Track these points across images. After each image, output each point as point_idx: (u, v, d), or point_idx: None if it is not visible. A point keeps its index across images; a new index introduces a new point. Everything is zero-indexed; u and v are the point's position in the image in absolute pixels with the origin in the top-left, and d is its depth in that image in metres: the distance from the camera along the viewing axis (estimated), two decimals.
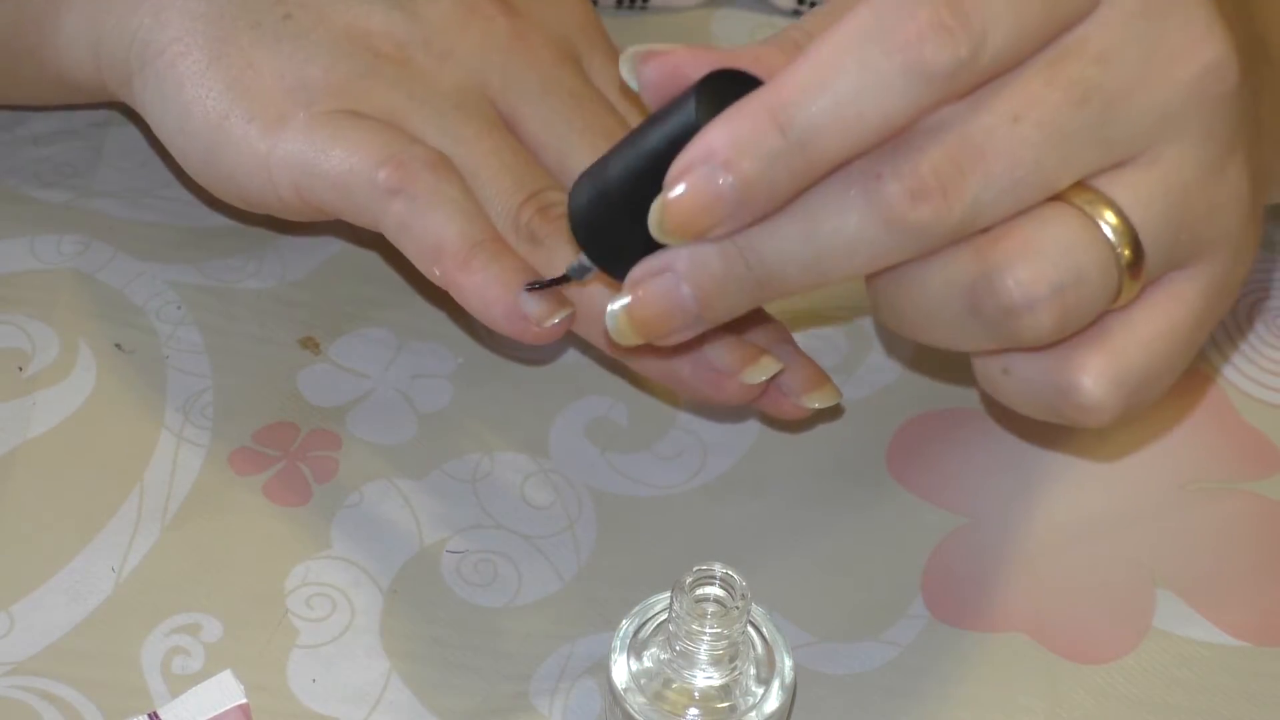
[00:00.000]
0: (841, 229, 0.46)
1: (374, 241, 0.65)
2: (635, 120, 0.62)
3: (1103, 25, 0.46)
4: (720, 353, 0.56)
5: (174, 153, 0.60)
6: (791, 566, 0.59)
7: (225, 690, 0.54)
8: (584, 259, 0.52)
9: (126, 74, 0.60)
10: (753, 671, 0.52)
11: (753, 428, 0.62)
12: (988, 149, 0.45)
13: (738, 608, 0.50)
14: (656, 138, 0.48)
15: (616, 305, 0.49)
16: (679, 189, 0.46)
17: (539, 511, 0.59)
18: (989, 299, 0.46)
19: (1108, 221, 0.47)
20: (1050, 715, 0.55)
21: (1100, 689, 0.56)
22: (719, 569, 0.50)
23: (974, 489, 0.61)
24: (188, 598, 0.57)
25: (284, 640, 0.56)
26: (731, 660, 0.51)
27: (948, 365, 0.63)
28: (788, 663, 0.52)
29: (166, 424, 0.61)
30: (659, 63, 0.49)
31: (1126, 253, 0.47)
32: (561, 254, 0.57)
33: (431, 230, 0.56)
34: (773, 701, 0.51)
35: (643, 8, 0.75)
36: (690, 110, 0.47)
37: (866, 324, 0.64)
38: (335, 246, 0.66)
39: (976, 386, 0.52)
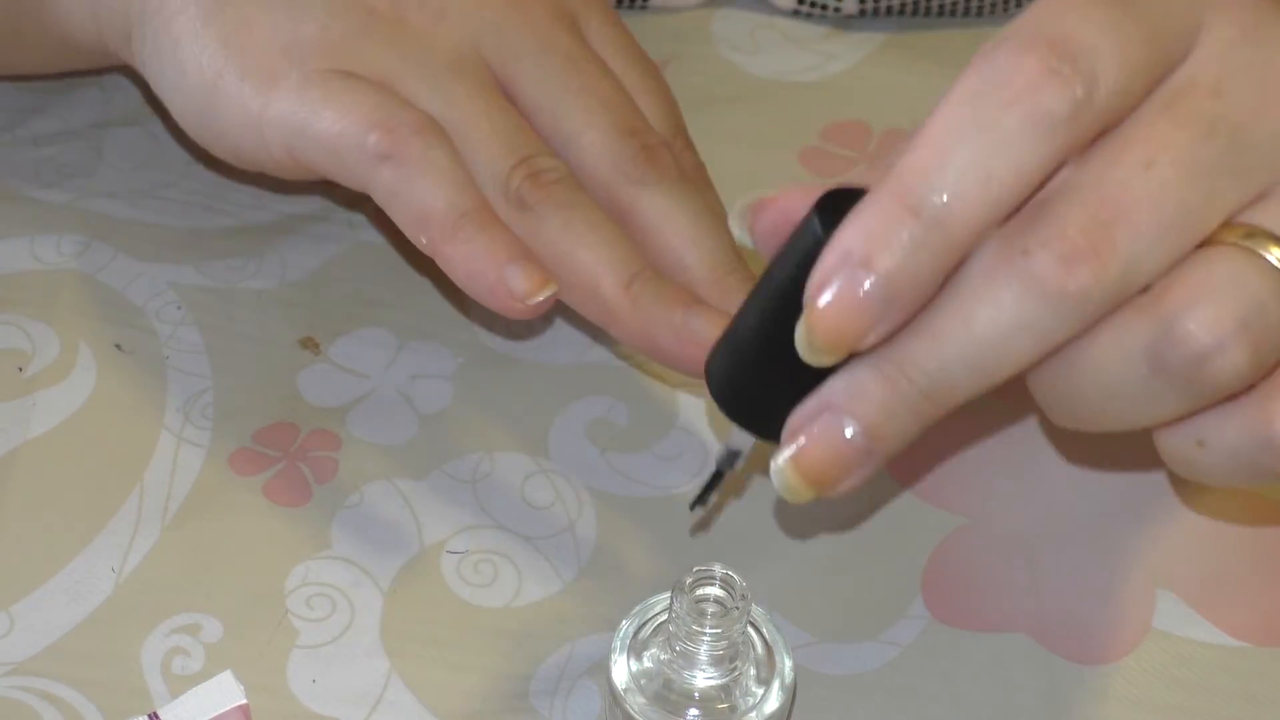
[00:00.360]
0: (999, 316, 0.44)
1: (371, 211, 0.66)
2: (633, 80, 0.61)
3: (1208, 60, 0.45)
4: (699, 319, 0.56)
5: (171, 110, 0.60)
6: (791, 566, 0.59)
7: (225, 691, 0.54)
8: (731, 442, 0.50)
9: (126, 32, 0.60)
10: (753, 672, 0.52)
11: None
12: (1127, 200, 0.44)
13: (738, 608, 0.50)
14: (783, 273, 0.45)
15: (780, 461, 0.46)
16: (822, 299, 0.43)
17: (539, 512, 0.59)
18: (1174, 352, 0.44)
19: (1272, 252, 0.45)
20: (1050, 715, 0.55)
21: (1100, 689, 0.56)
22: (719, 569, 0.50)
23: (974, 489, 0.61)
24: (188, 598, 0.57)
25: (284, 640, 0.56)
26: (731, 660, 0.51)
27: None
28: (788, 663, 0.52)
29: (166, 424, 0.61)
30: (769, 210, 0.47)
31: None
32: (550, 221, 0.57)
33: (419, 198, 0.56)
34: (773, 702, 0.51)
35: (643, 7, 0.74)
36: (814, 229, 0.45)
37: None
38: (335, 246, 0.66)
39: (1165, 471, 0.49)
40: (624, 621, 0.52)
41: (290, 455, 0.60)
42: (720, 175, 0.65)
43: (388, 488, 0.60)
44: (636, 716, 0.51)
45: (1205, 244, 0.45)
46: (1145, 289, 0.44)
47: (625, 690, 0.51)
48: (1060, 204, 0.44)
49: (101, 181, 0.68)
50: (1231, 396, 0.46)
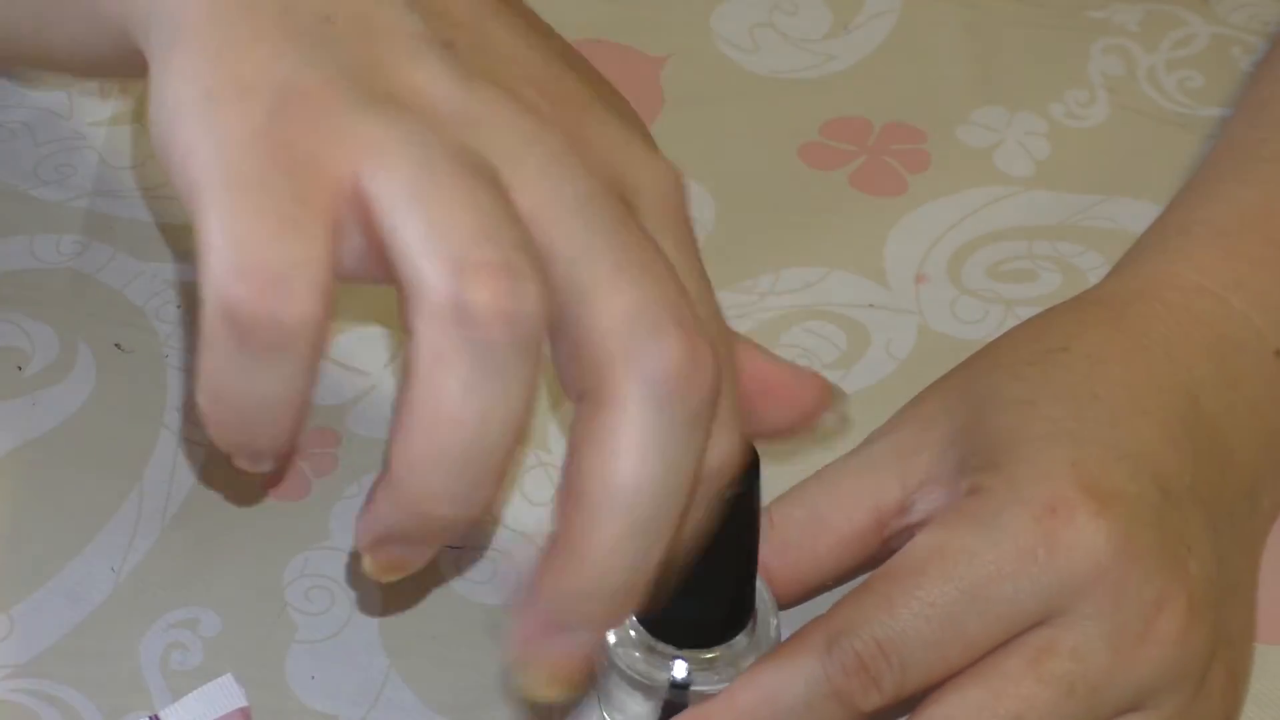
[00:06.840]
0: None
1: None
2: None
3: (1067, 627, 0.49)
4: None
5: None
6: None
7: (226, 694, 0.54)
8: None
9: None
10: None
11: None
12: None
13: None
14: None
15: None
16: None
17: (538, 508, 0.59)
18: None
19: None
20: None
21: None
22: None
23: None
24: (186, 593, 0.57)
25: (283, 635, 0.56)
26: None
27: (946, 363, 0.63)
28: (773, 621, 0.52)
29: (166, 424, 0.61)
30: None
31: None
32: None
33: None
34: (758, 652, 0.51)
35: None
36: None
37: (865, 318, 0.64)
38: None
39: None
40: None
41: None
42: (720, 173, 0.65)
43: None
44: (624, 668, 0.51)
45: None
46: None
47: (615, 644, 0.51)
48: None
49: (101, 181, 0.68)
50: None
